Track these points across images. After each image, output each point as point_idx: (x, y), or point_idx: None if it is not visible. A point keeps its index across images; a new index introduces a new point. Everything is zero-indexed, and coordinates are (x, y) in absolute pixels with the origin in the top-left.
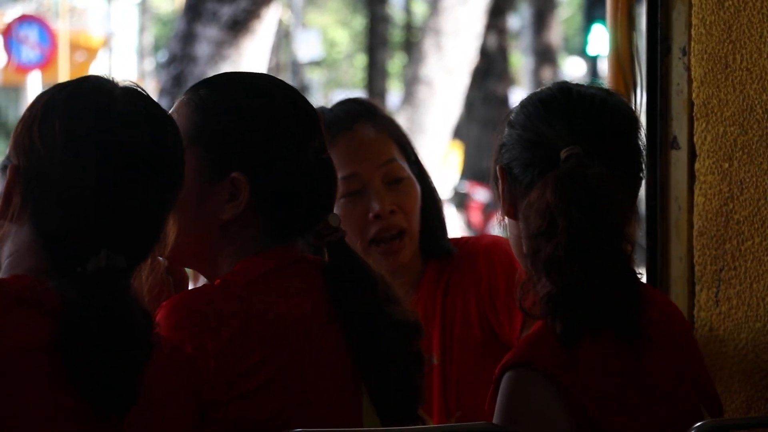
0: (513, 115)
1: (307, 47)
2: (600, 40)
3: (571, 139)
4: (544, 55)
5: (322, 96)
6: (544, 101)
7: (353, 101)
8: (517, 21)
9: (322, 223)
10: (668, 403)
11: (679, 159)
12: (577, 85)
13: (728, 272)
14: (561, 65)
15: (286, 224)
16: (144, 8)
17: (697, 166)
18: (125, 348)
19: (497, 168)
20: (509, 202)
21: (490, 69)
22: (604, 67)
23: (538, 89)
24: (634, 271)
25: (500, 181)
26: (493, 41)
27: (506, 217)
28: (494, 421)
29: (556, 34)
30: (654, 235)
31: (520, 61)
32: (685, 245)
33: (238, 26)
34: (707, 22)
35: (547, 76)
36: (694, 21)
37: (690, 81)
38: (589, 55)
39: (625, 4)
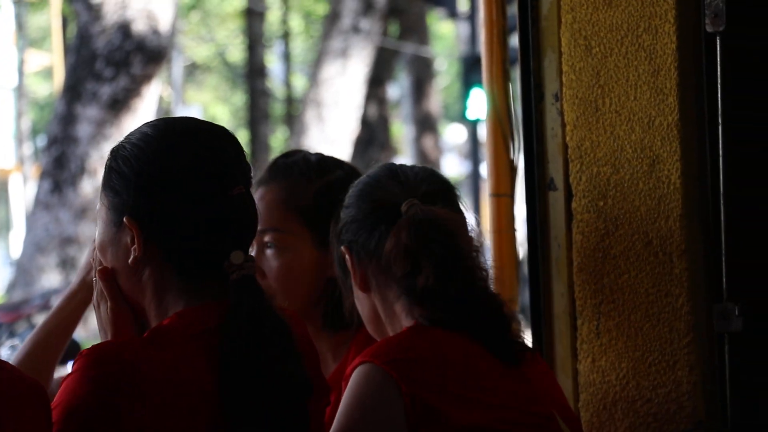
0: (345, 201)
1: None
2: (478, 103)
3: (407, 195)
4: (425, 123)
5: None
6: (372, 177)
7: (293, 160)
8: (396, 90)
9: (226, 262)
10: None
11: (556, 200)
12: (401, 165)
13: (607, 305)
14: (442, 132)
15: (187, 264)
16: (21, 93)
17: (573, 205)
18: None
19: (341, 250)
20: (360, 276)
21: (372, 138)
22: (483, 131)
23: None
24: (495, 295)
25: (348, 260)
26: (373, 111)
27: (359, 292)
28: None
29: (435, 102)
30: (536, 273)
31: (402, 130)
32: (566, 281)
33: (119, 105)
34: (577, 69)
35: (429, 144)
36: (565, 68)
37: (563, 125)
38: (469, 120)
39: (499, 66)
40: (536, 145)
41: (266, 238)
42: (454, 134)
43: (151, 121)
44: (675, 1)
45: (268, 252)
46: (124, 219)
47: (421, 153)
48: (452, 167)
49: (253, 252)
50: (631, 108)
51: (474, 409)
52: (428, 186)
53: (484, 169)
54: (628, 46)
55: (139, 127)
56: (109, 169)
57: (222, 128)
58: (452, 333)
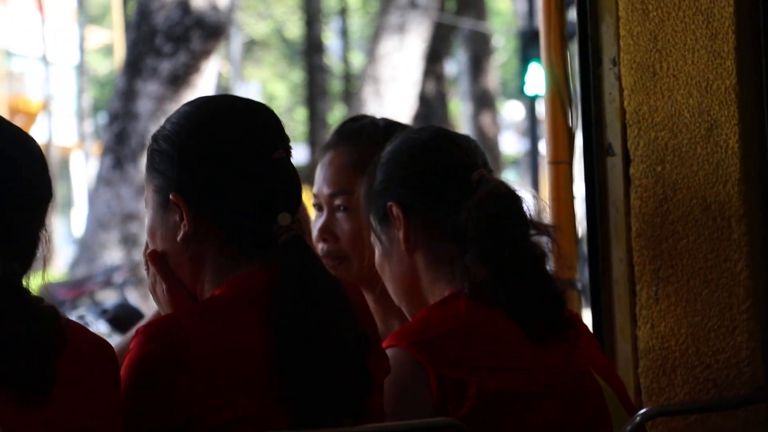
0: (389, 158)
1: None
2: (536, 79)
3: (471, 162)
4: (483, 100)
5: None
6: (427, 139)
7: (361, 124)
8: (454, 67)
9: (274, 225)
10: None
11: (614, 165)
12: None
13: (666, 270)
14: (499, 109)
15: (236, 233)
16: (82, 71)
17: (632, 170)
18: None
19: (388, 206)
20: (406, 235)
21: (430, 115)
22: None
23: (405, 135)
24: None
25: (397, 218)
26: (431, 87)
27: (398, 252)
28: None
29: (493, 78)
30: (595, 239)
31: (459, 106)
32: (625, 246)
33: (179, 81)
34: (634, 33)
35: (486, 121)
36: (622, 32)
37: (621, 90)
38: (527, 95)
39: (557, 37)
40: (594, 110)
41: (337, 201)
42: (511, 111)
43: (190, 101)
44: None
45: (339, 215)
46: (171, 196)
47: (478, 130)
48: (510, 144)
49: (323, 216)
50: (689, 72)
51: (502, 376)
52: (482, 154)
53: (542, 146)
54: (685, 9)
55: (177, 109)
56: (152, 152)
57: (259, 103)
58: (489, 308)
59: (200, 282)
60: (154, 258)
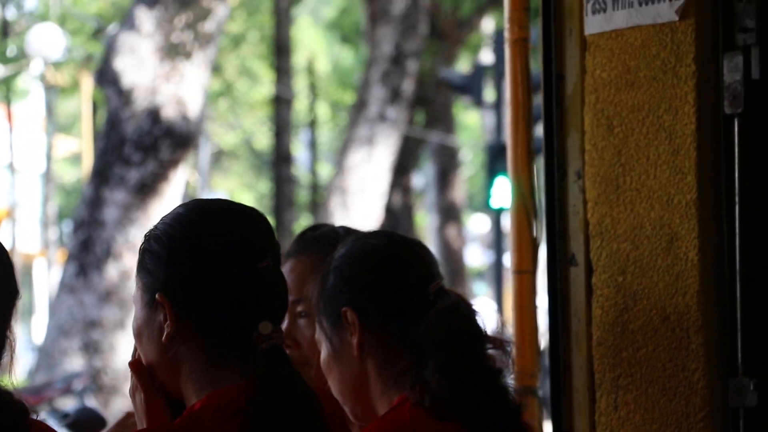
0: (344, 262)
1: None
2: (502, 192)
3: (428, 272)
4: (449, 213)
5: None
6: (386, 247)
7: (321, 232)
8: (421, 179)
9: (255, 332)
10: None
11: (577, 275)
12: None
13: (625, 379)
14: (465, 222)
15: (217, 338)
16: (48, 179)
17: (594, 280)
18: None
19: (343, 312)
20: (360, 341)
21: (396, 227)
22: (507, 220)
23: (359, 239)
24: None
25: (352, 323)
26: (398, 199)
27: (348, 357)
28: None
29: (459, 192)
30: (556, 347)
31: (425, 218)
32: (585, 355)
33: (146, 190)
34: (599, 147)
35: (452, 234)
36: (587, 146)
37: (585, 202)
38: (492, 208)
39: (524, 152)
40: (558, 221)
41: (298, 308)
42: (477, 224)
43: (184, 203)
44: (695, 83)
45: (300, 321)
46: (156, 296)
47: (444, 242)
48: (475, 257)
49: (285, 322)
50: (651, 186)
51: None
52: (434, 262)
53: (507, 259)
54: (649, 126)
55: (171, 210)
56: (143, 252)
57: (251, 208)
58: (444, 422)
59: (183, 386)
60: (136, 366)
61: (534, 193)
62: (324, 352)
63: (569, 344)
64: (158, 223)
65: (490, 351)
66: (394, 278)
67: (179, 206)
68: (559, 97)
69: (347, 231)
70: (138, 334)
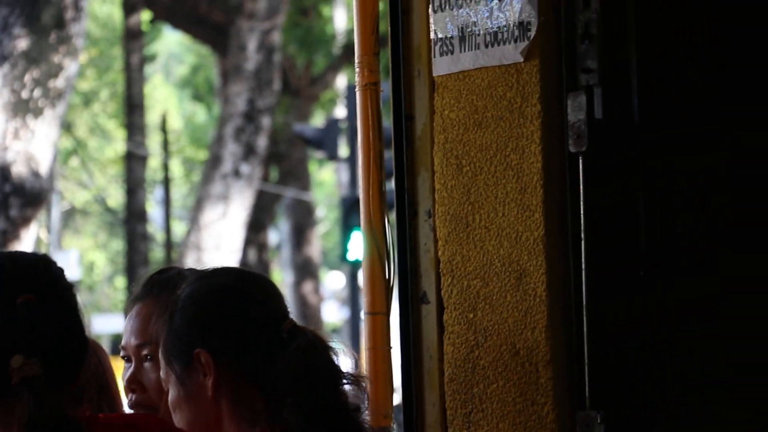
0: (192, 303)
1: (65, 269)
2: (358, 245)
3: (277, 310)
4: (305, 269)
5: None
6: (232, 285)
7: (168, 276)
8: (276, 236)
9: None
10: None
11: (429, 312)
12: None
13: (477, 414)
14: (321, 279)
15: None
16: None
17: (445, 317)
18: None
19: (196, 353)
20: (214, 383)
21: None
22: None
23: (203, 278)
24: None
25: (206, 364)
26: (253, 256)
27: (198, 398)
28: None
29: (315, 248)
30: (409, 385)
31: (281, 275)
32: (438, 391)
33: None
34: (448, 186)
35: (308, 290)
36: (437, 186)
37: (436, 240)
38: (348, 261)
39: (376, 201)
40: (410, 260)
41: (144, 351)
42: (333, 280)
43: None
44: (540, 122)
45: (146, 365)
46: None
47: (301, 298)
48: (332, 313)
49: (131, 366)
50: (500, 224)
51: None
52: (282, 298)
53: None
54: (497, 165)
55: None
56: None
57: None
58: None
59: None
60: None
61: (386, 238)
62: (173, 393)
63: (422, 381)
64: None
65: (346, 386)
66: (245, 317)
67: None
68: (409, 138)
69: (194, 272)
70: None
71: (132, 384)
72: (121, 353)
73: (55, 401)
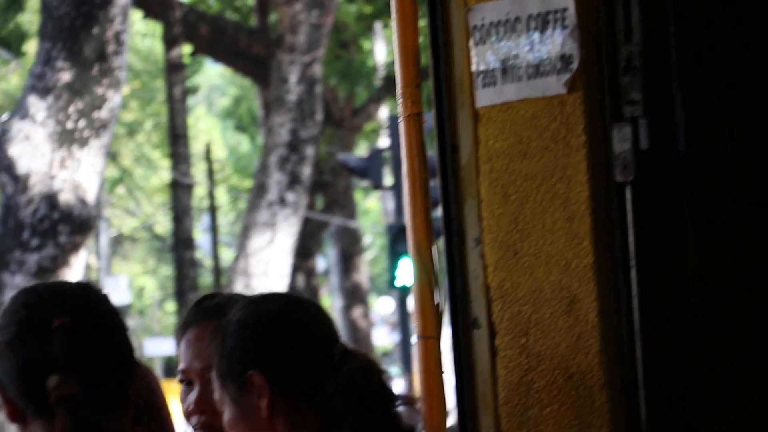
0: (244, 326)
1: (115, 293)
2: (405, 271)
3: (328, 335)
4: (354, 295)
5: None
6: (285, 311)
7: (218, 301)
8: (324, 263)
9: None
10: None
11: (480, 337)
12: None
13: None
14: (370, 304)
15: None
16: None
17: (497, 342)
18: None
19: (249, 375)
20: (269, 404)
21: None
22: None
23: (253, 303)
24: None
25: (260, 387)
26: (302, 282)
27: (254, 420)
28: None
29: (363, 274)
30: (463, 407)
31: (330, 301)
32: (492, 414)
33: (46, 274)
34: (496, 215)
35: (358, 315)
36: (485, 213)
37: (485, 267)
38: (396, 287)
39: (424, 230)
40: (460, 286)
41: (208, 375)
42: (382, 306)
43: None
44: (586, 153)
45: (212, 387)
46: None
47: (350, 323)
48: (382, 338)
49: (197, 389)
50: (548, 251)
51: None
52: (333, 322)
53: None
54: (543, 193)
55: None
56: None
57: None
58: None
59: None
60: None
61: (435, 266)
62: (228, 414)
63: (476, 404)
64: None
65: (400, 409)
66: (295, 340)
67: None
68: (454, 167)
69: (244, 297)
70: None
71: (201, 405)
72: (179, 377)
73: (95, 419)
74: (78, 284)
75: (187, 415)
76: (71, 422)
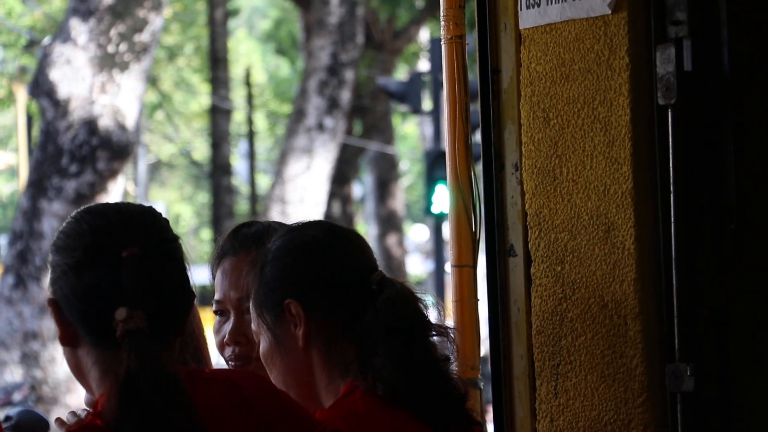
0: (282, 254)
1: None
2: (442, 198)
3: (366, 263)
4: (389, 222)
5: None
6: (321, 240)
7: (257, 229)
8: (360, 189)
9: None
10: None
11: (516, 265)
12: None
13: (565, 366)
14: (405, 231)
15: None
16: None
17: (532, 270)
18: None
19: (287, 304)
20: (305, 331)
21: None
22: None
23: (294, 231)
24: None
25: (297, 314)
26: (337, 209)
27: (292, 346)
28: None
29: (399, 201)
30: (496, 336)
31: (365, 228)
32: (525, 343)
33: (84, 200)
34: (535, 139)
35: (393, 243)
36: (524, 139)
37: (523, 193)
38: (433, 214)
39: (463, 155)
40: (497, 213)
41: (246, 304)
42: (417, 233)
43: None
44: (629, 75)
45: (247, 317)
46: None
47: (385, 251)
48: (416, 266)
49: (232, 319)
50: (588, 177)
51: None
52: (371, 251)
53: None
54: (584, 118)
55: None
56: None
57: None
58: (395, 409)
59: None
60: None
61: (473, 191)
62: (264, 344)
63: (509, 333)
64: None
65: (435, 338)
66: (334, 268)
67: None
68: (495, 91)
69: (281, 226)
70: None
71: (237, 336)
72: (215, 307)
73: (156, 355)
74: (145, 209)
75: (221, 346)
76: (137, 356)
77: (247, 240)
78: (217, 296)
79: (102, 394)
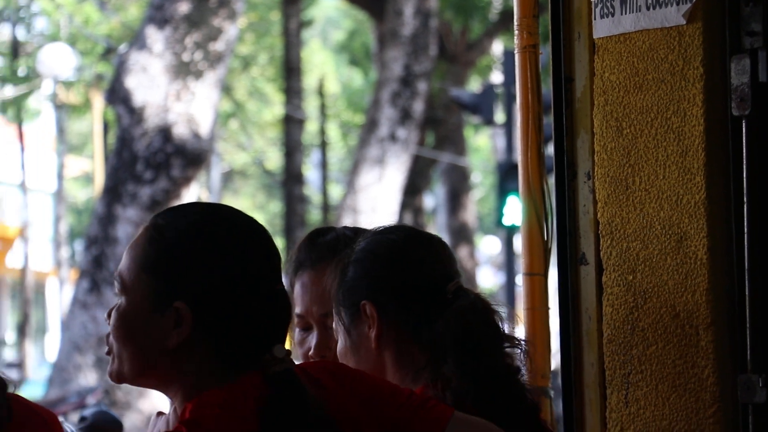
0: (364, 256)
1: None
2: (514, 210)
3: (446, 271)
4: (460, 234)
5: None
6: (406, 245)
7: (332, 237)
8: (432, 200)
9: (267, 354)
10: None
11: (588, 273)
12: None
13: (636, 375)
14: (476, 243)
15: (230, 354)
16: (59, 198)
17: (604, 279)
18: None
19: (362, 305)
20: (378, 334)
21: None
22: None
23: (379, 233)
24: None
25: (372, 317)
26: (409, 220)
27: (366, 347)
28: None
29: (470, 213)
30: (567, 344)
31: None
32: (596, 352)
33: (158, 207)
34: (608, 148)
35: (464, 254)
36: (597, 148)
37: (595, 202)
38: (504, 226)
39: (536, 167)
40: (569, 221)
41: (331, 320)
42: (488, 246)
43: (203, 209)
44: (702, 85)
45: (332, 331)
46: (176, 303)
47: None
48: (487, 278)
49: (316, 334)
50: (660, 186)
51: None
52: (452, 257)
53: (519, 280)
54: (657, 127)
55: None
56: (155, 254)
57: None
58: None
59: (170, 385)
60: None
61: (545, 200)
62: (341, 343)
63: (580, 342)
64: (184, 222)
65: (507, 349)
66: (413, 275)
67: (204, 208)
68: (568, 99)
69: (355, 231)
70: (130, 333)
71: (322, 350)
72: (297, 321)
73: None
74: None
75: (306, 359)
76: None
77: (324, 251)
78: (298, 310)
79: (192, 401)
